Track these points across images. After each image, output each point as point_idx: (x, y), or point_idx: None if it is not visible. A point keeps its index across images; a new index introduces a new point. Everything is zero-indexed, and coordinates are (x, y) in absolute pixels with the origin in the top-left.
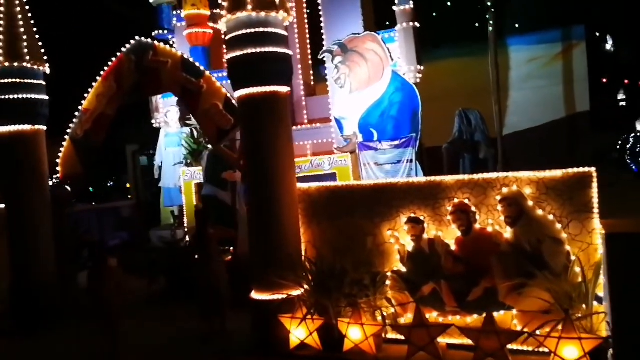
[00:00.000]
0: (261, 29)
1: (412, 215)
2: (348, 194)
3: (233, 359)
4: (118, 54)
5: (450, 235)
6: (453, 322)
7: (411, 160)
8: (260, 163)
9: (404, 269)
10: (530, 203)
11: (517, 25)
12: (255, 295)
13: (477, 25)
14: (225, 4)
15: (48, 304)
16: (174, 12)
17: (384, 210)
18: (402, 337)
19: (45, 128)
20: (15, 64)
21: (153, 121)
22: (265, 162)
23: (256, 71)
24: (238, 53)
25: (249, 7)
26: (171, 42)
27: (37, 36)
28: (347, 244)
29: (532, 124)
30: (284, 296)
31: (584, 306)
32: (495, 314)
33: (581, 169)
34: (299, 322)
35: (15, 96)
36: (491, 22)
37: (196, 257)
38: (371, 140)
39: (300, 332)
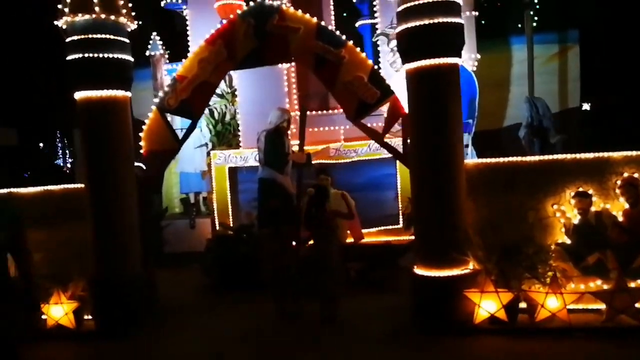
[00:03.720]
0: None
1: (580, 189)
2: (509, 169)
3: (409, 337)
4: (231, 16)
5: (616, 207)
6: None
7: (467, 145)
8: (440, 139)
9: (568, 241)
10: None
11: (519, 25)
12: (423, 271)
13: (483, 22)
14: None
15: (137, 301)
16: None
17: (548, 185)
18: None
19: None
20: (112, 17)
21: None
22: (446, 139)
23: (446, 41)
24: (426, 22)
25: None
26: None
27: None
28: (506, 219)
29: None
30: (467, 271)
31: None
32: None
33: None
34: (489, 295)
35: (109, 55)
36: (535, 18)
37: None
38: None
39: (490, 305)
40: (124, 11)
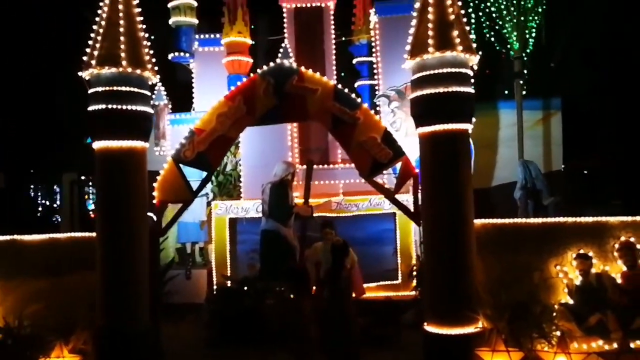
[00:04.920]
0: (463, 70)
1: (581, 251)
2: (515, 230)
3: None
4: (251, 74)
5: (615, 270)
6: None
7: None
8: (452, 200)
9: (571, 302)
10: None
11: (506, 92)
12: (435, 329)
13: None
14: (430, 41)
15: (145, 354)
16: (197, 36)
17: (551, 246)
18: None
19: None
20: (138, 71)
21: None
22: (458, 199)
23: (459, 108)
24: (441, 90)
25: (459, 47)
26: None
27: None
28: (513, 278)
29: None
30: (478, 329)
31: None
32: None
33: None
34: (500, 354)
35: (132, 107)
36: (524, 87)
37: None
38: None
39: None
40: (149, 66)
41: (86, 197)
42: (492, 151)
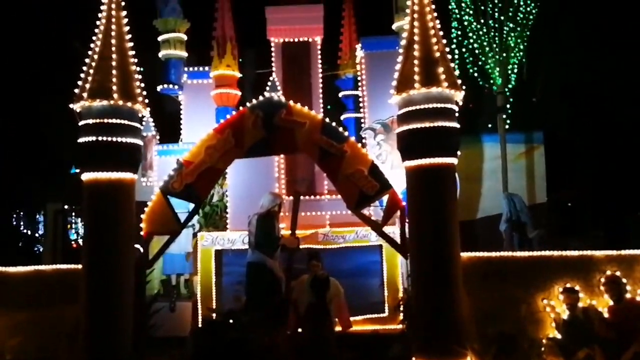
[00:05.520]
0: (448, 105)
1: (568, 285)
2: (501, 264)
3: None
4: (240, 107)
5: (602, 304)
6: None
7: None
8: (439, 233)
9: (559, 336)
10: None
11: (489, 125)
12: None
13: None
14: (416, 77)
15: None
16: (186, 69)
17: (538, 280)
18: None
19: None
20: (129, 104)
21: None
22: (445, 233)
23: (444, 143)
24: (427, 125)
25: (444, 83)
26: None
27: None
28: (500, 311)
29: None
30: None
31: None
32: None
33: None
34: None
35: (122, 139)
36: (508, 121)
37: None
38: None
39: None
40: (140, 99)
41: (69, 226)
42: (477, 184)
